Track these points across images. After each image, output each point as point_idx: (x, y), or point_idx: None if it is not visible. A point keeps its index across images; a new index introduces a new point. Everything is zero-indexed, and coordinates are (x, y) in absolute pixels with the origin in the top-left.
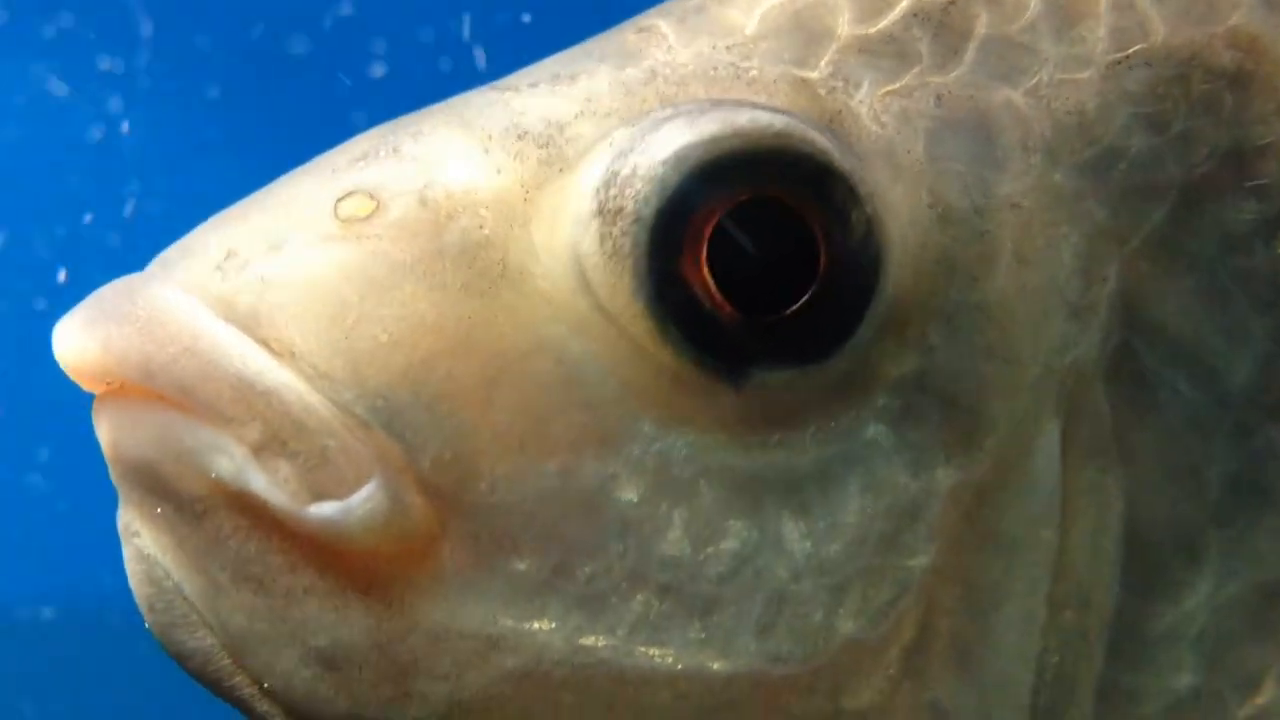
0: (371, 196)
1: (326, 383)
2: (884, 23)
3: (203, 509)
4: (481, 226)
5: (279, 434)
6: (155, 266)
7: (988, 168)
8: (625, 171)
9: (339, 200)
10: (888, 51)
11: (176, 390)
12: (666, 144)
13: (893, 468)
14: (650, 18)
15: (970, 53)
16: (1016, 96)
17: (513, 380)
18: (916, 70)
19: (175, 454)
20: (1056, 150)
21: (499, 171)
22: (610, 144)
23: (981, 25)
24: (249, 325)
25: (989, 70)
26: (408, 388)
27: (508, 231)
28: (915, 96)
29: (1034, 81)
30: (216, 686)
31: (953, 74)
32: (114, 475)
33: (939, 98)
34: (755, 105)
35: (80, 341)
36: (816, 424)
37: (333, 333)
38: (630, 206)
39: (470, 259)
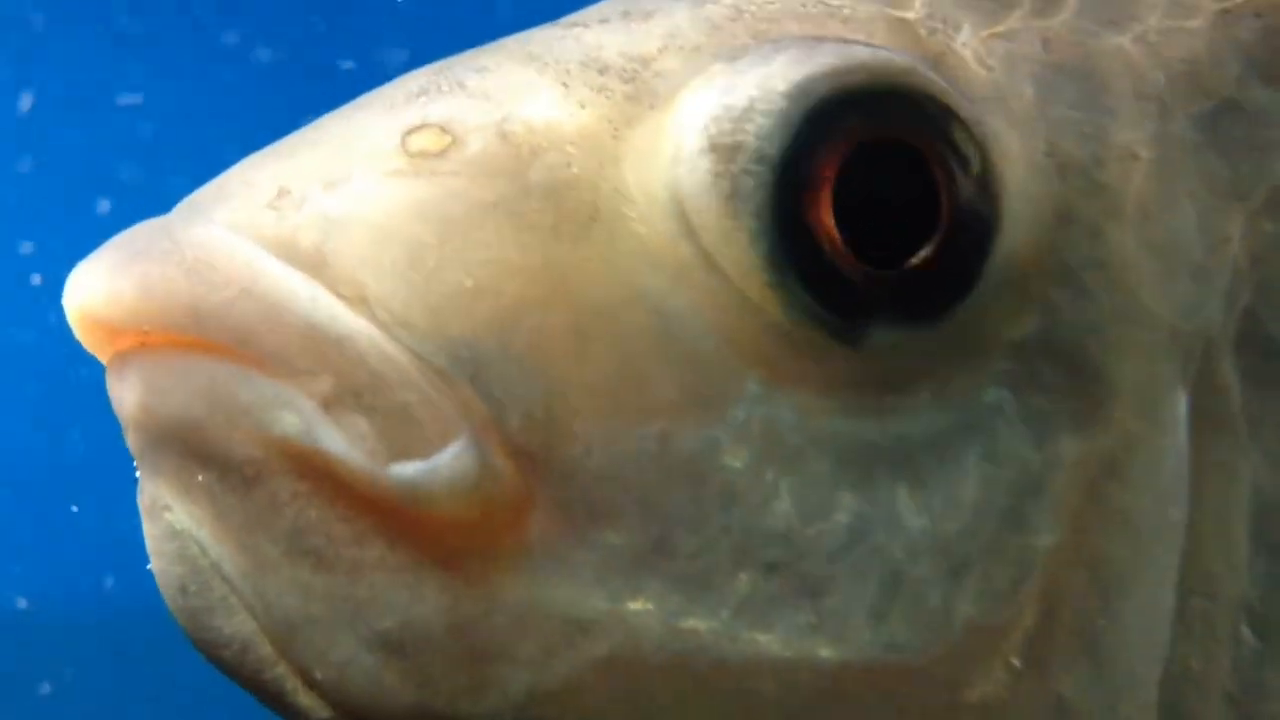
0: (444, 130)
1: (405, 331)
2: None
3: (254, 474)
4: (569, 165)
5: (353, 387)
6: (184, 210)
7: (1103, 116)
8: (741, 104)
9: (407, 134)
10: None
11: (233, 338)
12: (784, 76)
13: (1014, 437)
14: None
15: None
16: (1126, 43)
17: (607, 333)
18: (1018, 14)
19: (228, 410)
20: (1171, 101)
21: (582, 107)
22: (712, 77)
23: None
24: (314, 267)
25: (1094, 16)
26: (494, 338)
27: (598, 171)
28: (1020, 40)
29: (1142, 29)
30: (253, 680)
31: (1057, 18)
32: (140, 443)
33: (1045, 42)
34: (865, 43)
35: (110, 284)
36: (932, 389)
37: (410, 277)
38: (751, 143)
39: (558, 199)
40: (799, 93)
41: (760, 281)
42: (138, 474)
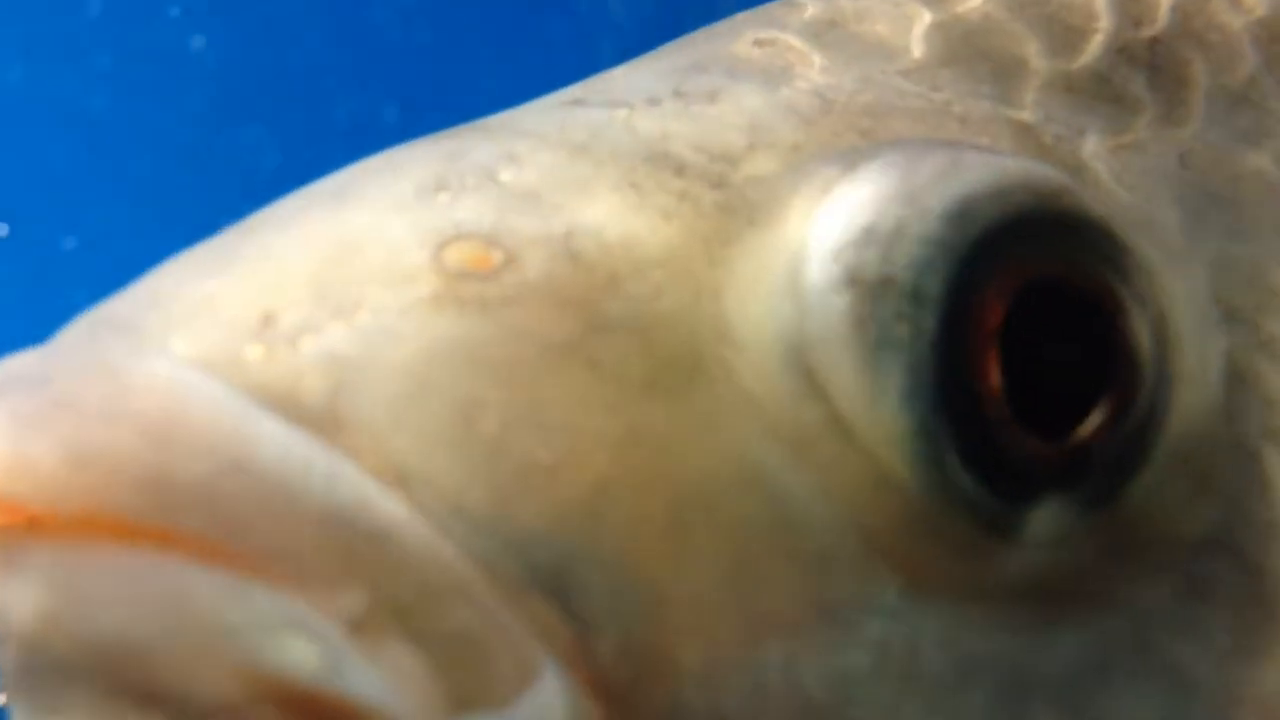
0: (491, 244)
1: (461, 525)
2: (1085, 58)
3: None
4: (657, 296)
5: (394, 604)
6: (116, 331)
7: (1257, 253)
8: (886, 226)
9: (444, 246)
10: (1101, 94)
11: (217, 531)
12: (937, 192)
13: (1196, 662)
14: (760, 28)
15: (1198, 105)
16: (1266, 164)
17: (716, 526)
18: (1144, 120)
19: (202, 634)
20: None
21: (665, 220)
22: (832, 187)
23: (1198, 72)
24: (327, 430)
25: (1226, 127)
26: (579, 534)
27: (693, 306)
28: (1154, 154)
29: (1276, 146)
30: None
31: (1188, 128)
32: (31, 664)
33: (1182, 158)
34: (1006, 153)
35: (18, 444)
36: (1098, 597)
37: (465, 448)
38: (906, 277)
39: (648, 344)
40: (961, 214)
41: (908, 456)
42: (6, 700)
